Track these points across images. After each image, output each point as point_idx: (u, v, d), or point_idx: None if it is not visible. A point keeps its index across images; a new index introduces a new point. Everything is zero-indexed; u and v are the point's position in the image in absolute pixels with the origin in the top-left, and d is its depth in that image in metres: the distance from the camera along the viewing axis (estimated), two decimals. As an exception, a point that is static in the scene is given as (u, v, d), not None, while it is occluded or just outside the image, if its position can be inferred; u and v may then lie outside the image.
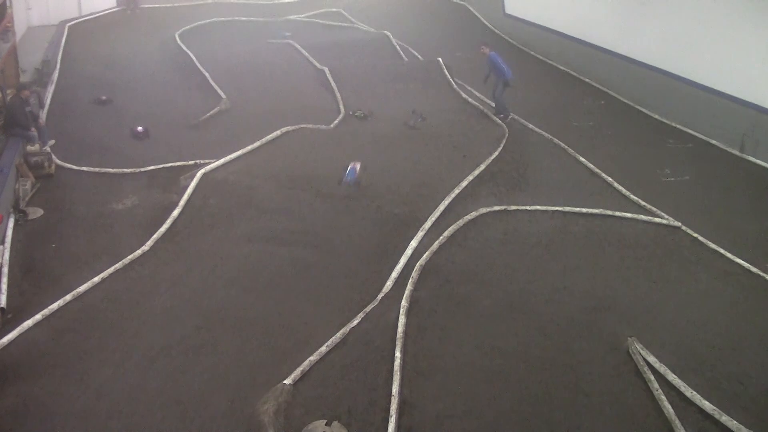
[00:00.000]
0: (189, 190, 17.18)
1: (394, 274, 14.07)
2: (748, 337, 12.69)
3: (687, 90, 23.88)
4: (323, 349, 11.67)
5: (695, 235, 16.19)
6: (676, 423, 10.30)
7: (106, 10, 39.12)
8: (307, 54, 30.38)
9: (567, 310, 13.14)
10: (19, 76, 24.34)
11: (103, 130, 22.04)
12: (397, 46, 32.65)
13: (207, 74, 27.17)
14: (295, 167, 18.83)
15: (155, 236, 15.36)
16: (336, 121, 22.92)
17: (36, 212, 16.50)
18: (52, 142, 20.09)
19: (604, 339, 12.34)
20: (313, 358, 11.43)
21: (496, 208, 16.92)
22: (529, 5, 35.16)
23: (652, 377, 11.26)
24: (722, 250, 15.60)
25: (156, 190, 17.85)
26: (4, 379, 10.91)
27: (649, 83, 25.89)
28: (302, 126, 21.80)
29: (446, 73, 27.88)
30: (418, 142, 21.03)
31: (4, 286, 13.28)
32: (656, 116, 24.88)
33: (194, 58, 29.20)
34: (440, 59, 28.88)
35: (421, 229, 15.72)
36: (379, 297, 13.27)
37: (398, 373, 10.96)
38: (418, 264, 14.24)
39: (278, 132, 21.03)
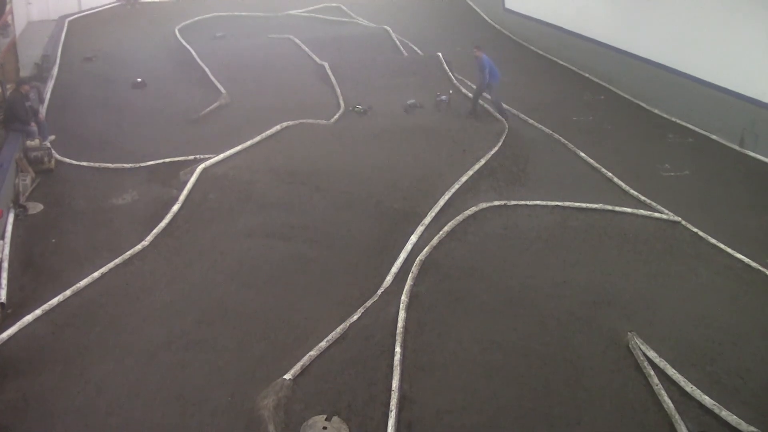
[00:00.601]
0: (189, 185, 17.18)
1: (394, 269, 14.07)
2: (748, 332, 12.69)
3: (687, 85, 23.85)
4: (323, 344, 11.67)
5: (695, 229, 16.18)
6: (676, 418, 10.30)
7: (106, 5, 39.11)
8: (307, 49, 30.39)
9: (567, 305, 13.13)
10: (18, 71, 24.33)
11: (102, 125, 22.04)
12: (397, 41, 32.66)
13: (207, 69, 27.17)
14: (295, 162, 18.82)
15: (155, 231, 15.37)
16: (336, 116, 22.92)
17: (36, 207, 16.50)
18: (52, 137, 20.10)
19: (604, 334, 12.34)
20: (313, 353, 11.43)
21: (496, 203, 16.92)
22: (529, 0, 35.13)
23: (651, 372, 11.26)
24: (722, 245, 15.59)
25: (156, 185, 17.85)
26: (4, 374, 10.92)
27: (649, 78, 25.87)
28: (302, 121, 21.79)
29: (446, 68, 27.86)
30: (418, 137, 21.01)
31: (4, 281, 13.28)
32: (656, 111, 24.86)
33: (194, 53, 29.20)
34: (440, 54, 28.87)
35: (420, 224, 15.72)
36: (379, 292, 13.26)
37: (398, 368, 10.96)
38: (417, 259, 14.24)
39: (278, 127, 21.03)
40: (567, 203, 17.02)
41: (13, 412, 10.20)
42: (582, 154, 20.36)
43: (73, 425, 10.05)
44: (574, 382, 11.18)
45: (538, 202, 17.05)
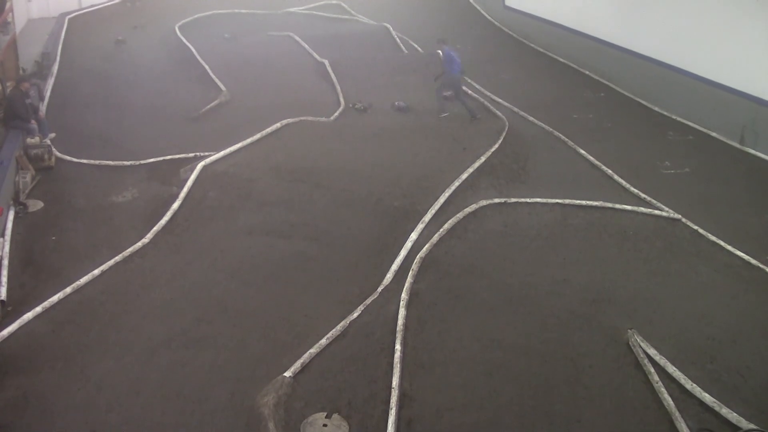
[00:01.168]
0: (189, 183, 17.19)
1: (394, 267, 14.07)
2: (748, 330, 12.69)
3: (687, 82, 23.86)
4: (323, 341, 11.67)
5: (695, 227, 16.18)
6: (676, 415, 10.30)
7: (107, 2, 39.12)
8: (307, 46, 30.40)
9: (567, 303, 13.14)
10: (19, 68, 24.34)
11: (103, 122, 22.05)
12: (397, 39, 32.66)
13: (207, 66, 27.18)
14: (296, 160, 18.83)
15: (155, 229, 15.37)
16: (336, 114, 22.93)
17: (36, 205, 16.50)
18: (52, 135, 20.09)
19: (604, 331, 12.34)
20: (313, 350, 11.43)
21: (496, 200, 16.92)
22: (529, -3, 35.19)
23: (652, 369, 11.26)
24: (722, 243, 15.59)
25: (156, 183, 17.85)
26: (4, 371, 10.92)
27: (649, 75, 25.87)
28: (302, 118, 21.79)
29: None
30: (418, 135, 21.02)
31: (4, 279, 13.28)
32: (656, 108, 24.85)
33: (194, 51, 29.22)
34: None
35: (421, 222, 15.72)
36: (379, 289, 13.27)
37: (398, 366, 10.97)
38: (418, 256, 14.24)
39: (278, 124, 21.03)
40: (567, 201, 17.02)
41: (13, 410, 10.20)
42: (582, 152, 20.36)
43: (73, 423, 10.05)
44: (574, 379, 11.18)
45: (538, 200, 17.05)
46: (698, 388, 10.80)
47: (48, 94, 24.22)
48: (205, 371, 11.14)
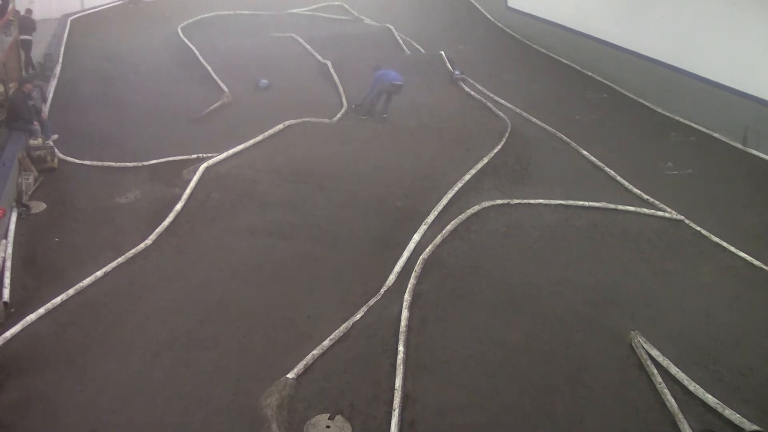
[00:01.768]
0: (192, 184, 17.18)
1: (397, 268, 14.06)
2: (750, 330, 12.71)
3: (690, 83, 23.87)
4: (326, 342, 11.66)
5: (698, 228, 16.20)
6: (679, 416, 10.31)
7: (109, 3, 39.15)
8: (309, 47, 30.41)
9: (570, 304, 13.15)
10: (21, 69, 24.37)
11: (106, 123, 22.07)
12: (400, 40, 32.68)
13: (209, 68, 27.20)
14: (298, 161, 18.82)
15: (158, 230, 15.36)
16: (339, 115, 22.93)
17: (39, 206, 16.50)
18: (55, 136, 20.10)
19: (607, 332, 12.35)
20: (316, 351, 11.43)
21: (499, 201, 16.92)
22: (532, -2, 35.21)
23: (654, 370, 11.27)
24: (725, 244, 15.62)
25: (159, 184, 17.84)
26: (7, 372, 10.92)
27: (651, 76, 25.88)
28: (305, 120, 21.80)
29: (449, 66, 27.87)
30: (421, 136, 21.02)
31: (7, 280, 13.27)
32: (659, 109, 24.87)
33: (197, 52, 29.25)
34: (443, 52, 28.89)
35: (424, 223, 15.71)
36: (382, 290, 13.26)
37: (401, 367, 10.96)
38: (421, 257, 14.24)
39: (281, 126, 21.02)
40: (570, 202, 17.03)
41: (16, 411, 10.20)
42: (585, 153, 20.38)
43: (76, 423, 10.05)
44: (577, 380, 11.19)
45: (540, 201, 17.06)
46: (701, 389, 10.82)
47: (51, 95, 24.22)
48: (207, 372, 11.13)
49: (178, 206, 16.28)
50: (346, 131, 21.42)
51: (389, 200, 16.86)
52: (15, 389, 10.62)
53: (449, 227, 15.53)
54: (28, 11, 28.63)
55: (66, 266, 14.11)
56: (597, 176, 19.11)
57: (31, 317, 12.13)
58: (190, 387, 10.79)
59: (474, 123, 22.57)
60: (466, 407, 10.52)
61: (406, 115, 23.19)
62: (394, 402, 10.24)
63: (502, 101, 25.08)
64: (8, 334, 11.66)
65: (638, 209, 16.93)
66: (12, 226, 15.30)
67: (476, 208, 16.46)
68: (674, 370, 11.25)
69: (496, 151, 19.77)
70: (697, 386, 10.88)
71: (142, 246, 14.74)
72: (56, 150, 19.03)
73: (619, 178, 18.72)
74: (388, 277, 13.76)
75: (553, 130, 22.18)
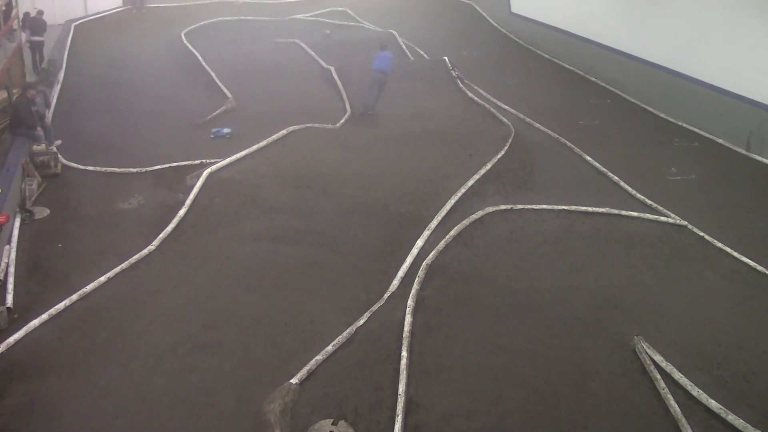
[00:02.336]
0: (195, 190, 17.19)
1: (401, 273, 14.06)
2: (754, 336, 12.69)
3: (693, 88, 23.87)
4: (330, 348, 11.66)
5: (701, 233, 16.19)
6: (683, 422, 10.31)
7: (112, 9, 39.28)
8: (313, 53, 30.45)
9: (573, 309, 13.14)
10: (25, 75, 24.42)
11: (109, 129, 22.10)
12: (403, 45, 32.73)
13: (213, 73, 27.24)
14: (302, 166, 18.83)
15: (161, 235, 15.37)
16: (342, 120, 22.95)
17: (42, 212, 16.51)
18: (58, 142, 20.16)
19: (611, 337, 12.34)
20: (319, 357, 11.43)
21: (503, 207, 16.91)
22: (535, 4, 35.19)
23: (658, 376, 11.26)
24: (728, 249, 15.61)
25: (162, 190, 17.85)
26: (10, 378, 10.93)
27: (655, 82, 25.88)
28: (308, 125, 21.82)
29: (452, 71, 27.88)
30: (424, 141, 21.02)
31: (11, 286, 13.30)
32: (662, 115, 24.86)
33: (200, 58, 29.30)
34: (446, 58, 28.91)
35: (427, 228, 15.70)
36: (386, 296, 13.26)
37: (404, 372, 10.97)
38: (424, 263, 14.24)
39: (284, 131, 21.04)
40: (573, 207, 17.03)
41: (19, 416, 10.21)
42: (588, 158, 20.36)
43: (80, 429, 10.06)
44: (581, 385, 11.18)
45: (544, 206, 17.05)
46: (704, 395, 10.81)
47: (54, 101, 24.27)
48: (211, 377, 11.14)
49: (182, 212, 16.29)
50: (350, 137, 21.43)
51: (393, 206, 16.85)
52: (19, 394, 10.63)
53: (453, 233, 15.53)
54: (40, 12, 29.04)
55: (69, 272, 14.12)
56: (600, 182, 19.09)
57: (34, 323, 12.15)
58: (193, 392, 10.80)
59: (477, 128, 22.56)
60: (470, 412, 10.52)
61: (410, 120, 23.20)
62: (398, 407, 10.25)
63: (506, 106, 25.06)
64: (12, 339, 11.67)
65: (642, 215, 16.92)
66: (15, 232, 15.33)
67: (480, 213, 16.45)
68: (678, 375, 11.24)
69: (499, 156, 19.76)
70: (701, 391, 10.88)
71: (145, 251, 14.76)
72: (59, 155, 19.07)
73: (622, 183, 18.72)
74: (391, 282, 13.76)
75: (557, 136, 22.16)
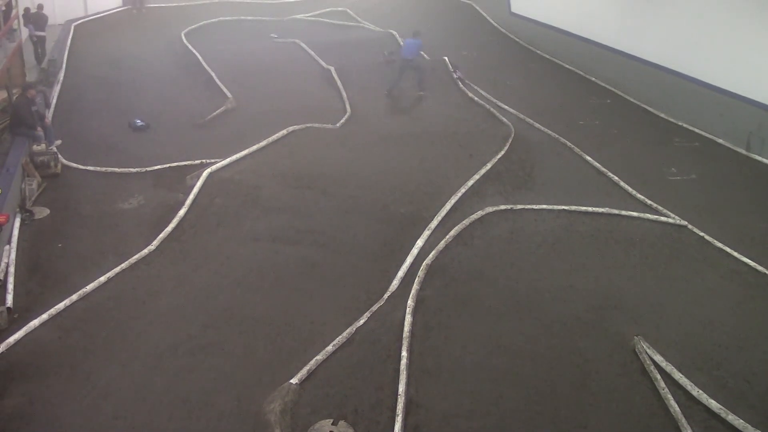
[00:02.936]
0: (195, 190, 17.20)
1: (401, 273, 14.06)
2: (754, 336, 12.68)
3: (693, 88, 23.84)
4: (329, 348, 11.67)
5: (701, 233, 16.18)
6: (683, 422, 10.30)
7: (112, 9, 39.30)
8: (313, 53, 30.45)
9: (573, 309, 13.14)
10: (25, 75, 24.42)
11: (109, 129, 22.11)
12: (403, 46, 32.71)
13: (213, 73, 27.24)
14: (302, 166, 18.84)
15: (161, 235, 15.38)
16: (342, 120, 22.95)
17: (42, 212, 16.52)
18: (58, 142, 20.17)
19: (611, 337, 12.34)
20: (319, 357, 11.43)
21: (503, 207, 16.92)
22: (535, 4, 35.13)
23: (658, 376, 11.26)
24: (728, 249, 15.59)
25: (162, 190, 17.86)
26: (10, 378, 10.94)
27: (655, 82, 25.85)
28: (308, 125, 21.83)
29: (454, 73, 27.89)
30: (424, 141, 21.03)
31: (11, 286, 13.30)
32: (662, 115, 24.83)
33: (200, 58, 29.30)
34: (446, 58, 28.91)
35: (427, 228, 15.71)
36: (386, 296, 13.26)
37: (404, 372, 10.97)
38: (424, 263, 14.24)
39: (284, 131, 21.05)
40: (573, 207, 17.03)
41: (19, 416, 10.21)
42: (588, 158, 20.35)
43: (80, 429, 10.07)
44: (581, 385, 11.18)
45: (544, 206, 17.06)
46: (704, 395, 10.80)
47: (54, 101, 24.27)
48: (211, 378, 11.14)
49: (182, 212, 16.30)
50: (350, 137, 21.44)
51: (393, 206, 16.86)
52: (18, 395, 10.63)
53: (453, 233, 15.53)
54: (40, 6, 29.42)
55: (69, 272, 14.12)
56: (600, 182, 19.08)
57: (34, 323, 12.16)
58: (193, 392, 10.80)
59: (477, 128, 22.56)
60: (470, 413, 10.52)
61: (410, 120, 23.22)
62: (398, 407, 10.25)
63: (506, 106, 25.03)
64: (12, 339, 11.68)
65: (642, 215, 16.92)
66: (15, 232, 15.33)
67: (480, 213, 16.46)
68: (677, 375, 11.24)
69: (499, 156, 19.77)
70: (701, 392, 10.87)
71: (145, 252, 14.77)
72: (59, 155, 19.08)
73: (622, 183, 18.70)
74: (391, 282, 13.76)
75: (557, 136, 22.14)
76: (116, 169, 18.89)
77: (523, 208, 16.97)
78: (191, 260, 14.67)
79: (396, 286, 13.61)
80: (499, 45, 35.27)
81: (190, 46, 31.49)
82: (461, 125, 22.80)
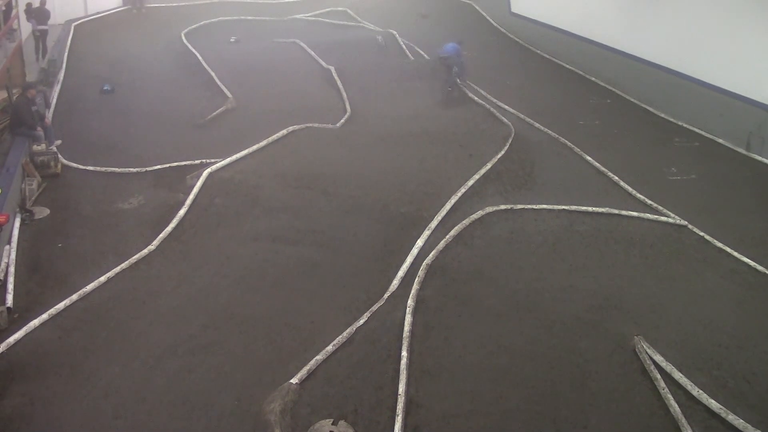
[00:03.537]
0: (195, 190, 17.20)
1: (401, 273, 14.07)
2: (754, 336, 12.67)
3: (693, 88, 23.85)
4: (330, 348, 11.67)
5: (701, 233, 16.18)
6: (683, 421, 10.29)
7: (112, 9, 39.29)
8: (313, 53, 30.43)
9: (573, 309, 13.13)
10: (25, 75, 24.42)
11: (109, 129, 22.11)
12: (403, 45, 32.69)
13: (213, 73, 27.23)
14: (302, 166, 18.84)
15: (161, 235, 15.39)
16: (342, 120, 22.94)
17: (42, 212, 16.52)
18: (58, 142, 20.17)
19: (611, 337, 12.33)
20: (319, 357, 11.43)
21: (503, 207, 16.91)
22: (536, 4, 35.15)
23: (658, 376, 11.25)
24: (728, 249, 15.60)
25: (162, 190, 17.87)
26: (10, 378, 10.94)
27: (655, 82, 25.85)
28: (309, 125, 21.82)
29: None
30: (424, 141, 21.02)
31: (11, 286, 13.31)
32: (662, 115, 24.84)
33: (200, 57, 29.28)
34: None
35: (427, 228, 15.71)
36: (386, 296, 13.26)
37: (404, 372, 10.97)
38: (424, 263, 14.24)
39: (284, 131, 21.05)
40: (573, 207, 17.02)
41: (19, 416, 10.22)
42: (588, 158, 20.35)
43: (80, 429, 10.07)
44: (581, 385, 11.17)
45: (544, 206, 17.05)
46: (704, 395, 10.80)
47: (54, 101, 24.27)
48: (211, 377, 11.14)
49: (182, 212, 16.30)
50: (350, 137, 21.43)
51: (393, 206, 16.86)
52: (18, 395, 10.64)
53: (453, 233, 15.53)
54: (42, 2, 29.62)
55: (69, 272, 14.13)
56: (601, 181, 19.08)
57: (34, 323, 12.17)
58: (193, 392, 10.80)
59: (477, 128, 22.55)
60: (470, 413, 10.52)
61: (410, 120, 23.19)
62: (398, 407, 10.25)
63: (506, 106, 25.03)
64: (12, 339, 11.69)
65: (642, 215, 16.91)
66: (15, 232, 15.34)
67: (480, 213, 16.45)
68: (678, 375, 11.24)
69: (499, 156, 19.76)
70: (701, 391, 10.87)
71: (145, 251, 14.78)
72: (59, 155, 19.07)
73: (622, 183, 18.70)
74: (391, 282, 13.77)
75: (557, 136, 22.14)
76: (116, 169, 18.89)
77: (523, 208, 16.97)
78: (191, 260, 14.67)
79: (396, 286, 13.61)
80: (500, 45, 35.27)
81: (190, 46, 31.47)
82: (461, 125, 22.79)
